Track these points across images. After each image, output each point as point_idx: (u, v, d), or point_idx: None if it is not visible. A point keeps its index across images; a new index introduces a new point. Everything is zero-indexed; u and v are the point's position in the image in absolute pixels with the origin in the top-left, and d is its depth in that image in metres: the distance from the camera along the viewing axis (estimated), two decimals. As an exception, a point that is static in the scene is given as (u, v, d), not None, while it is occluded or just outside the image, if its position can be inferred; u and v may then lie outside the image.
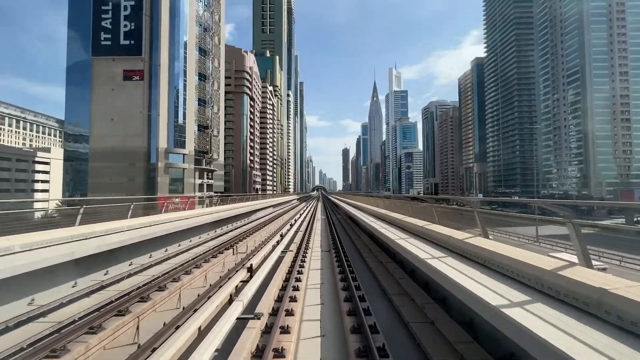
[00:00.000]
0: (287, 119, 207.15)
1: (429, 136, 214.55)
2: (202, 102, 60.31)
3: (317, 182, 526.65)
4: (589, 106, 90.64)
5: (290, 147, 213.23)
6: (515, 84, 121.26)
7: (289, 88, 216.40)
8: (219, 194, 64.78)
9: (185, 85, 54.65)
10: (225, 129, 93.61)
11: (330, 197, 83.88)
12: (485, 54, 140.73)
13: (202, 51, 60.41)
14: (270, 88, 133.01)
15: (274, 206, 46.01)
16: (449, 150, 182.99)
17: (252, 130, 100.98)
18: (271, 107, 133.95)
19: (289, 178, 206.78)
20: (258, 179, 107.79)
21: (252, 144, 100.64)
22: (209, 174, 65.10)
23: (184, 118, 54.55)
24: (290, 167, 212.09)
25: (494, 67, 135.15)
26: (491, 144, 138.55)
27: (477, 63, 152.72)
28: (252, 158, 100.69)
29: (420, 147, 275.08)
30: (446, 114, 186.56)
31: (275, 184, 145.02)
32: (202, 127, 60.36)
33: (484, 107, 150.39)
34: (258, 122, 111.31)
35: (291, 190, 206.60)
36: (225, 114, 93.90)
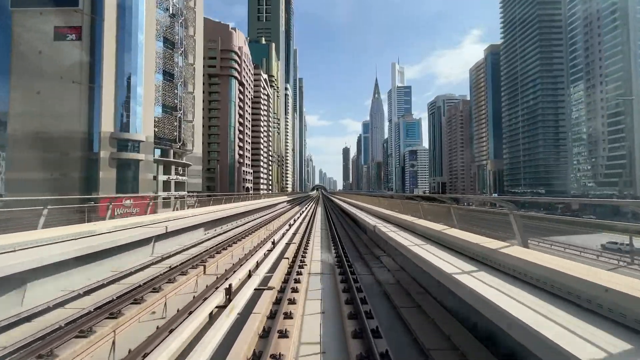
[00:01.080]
0: (285, 114, 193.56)
1: (436, 132, 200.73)
2: (168, 76, 46.60)
3: (317, 182, 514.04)
4: (634, 91, 77.01)
5: (288, 144, 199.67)
6: (539, 71, 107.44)
7: (287, 81, 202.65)
8: (196, 194, 51.35)
9: (140, 49, 40.86)
10: (209, 117, 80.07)
11: (333, 199, 70.18)
12: (502, 40, 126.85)
13: (168, 10, 46.68)
14: (265, 76, 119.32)
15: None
16: (459, 147, 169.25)
17: (242, 121, 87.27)
18: (266, 98, 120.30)
19: (286, 177, 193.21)
20: (249, 177, 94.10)
21: (242, 136, 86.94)
22: (181, 169, 51.42)
23: (140, 93, 40.82)
24: (288, 165, 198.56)
25: (511, 54, 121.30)
26: (508, 138, 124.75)
27: (491, 51, 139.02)
28: (242, 152, 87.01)
29: (425, 144, 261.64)
30: (455, 108, 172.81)
31: (270, 182, 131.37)
32: (169, 109, 46.67)
33: (499, 98, 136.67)
34: (250, 112, 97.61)
35: (289, 189, 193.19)
36: (209, 101, 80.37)
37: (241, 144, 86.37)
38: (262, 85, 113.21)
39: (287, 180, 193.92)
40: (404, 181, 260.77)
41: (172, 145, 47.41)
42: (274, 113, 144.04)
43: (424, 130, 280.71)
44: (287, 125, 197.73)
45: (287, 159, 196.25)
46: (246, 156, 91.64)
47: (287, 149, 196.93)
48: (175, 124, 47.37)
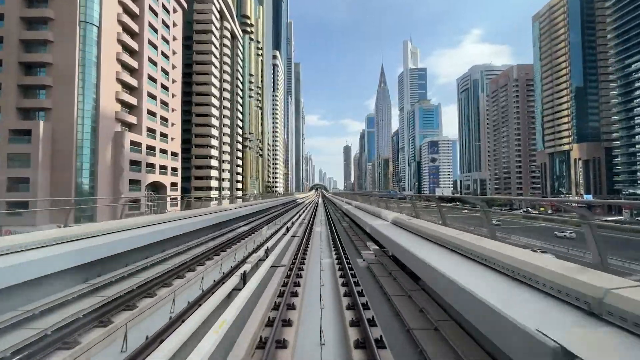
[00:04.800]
0: (274, 91, 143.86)
1: (471, 115, 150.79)
2: None
3: (316, 181, 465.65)
4: None
5: (277, 133, 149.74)
6: None
7: (276, 48, 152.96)
8: None
9: None
10: (26, 1, 29.97)
11: (355, 213, 19.87)
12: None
13: None
14: (226, -3, 69.18)
15: None
16: (511, 130, 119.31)
17: (136, 29, 37.09)
18: (228, 40, 70.33)
19: (275, 173, 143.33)
20: (164, 161, 43.49)
21: (135, 64, 36.82)
22: None
23: None
24: (278, 159, 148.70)
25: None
26: (621, 107, 74.93)
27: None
28: (136, 100, 36.76)
29: (447, 135, 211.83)
30: (505, 76, 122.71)
31: (241, 179, 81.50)
32: None
33: (592, 50, 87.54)
34: (165, 27, 47.36)
35: (279, 189, 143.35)
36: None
37: (134, 82, 36.22)
38: (218, 8, 63.22)
39: (276, 178, 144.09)
40: (421, 179, 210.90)
41: None
42: (250, 75, 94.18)
43: (444, 119, 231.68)
44: (277, 106, 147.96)
45: (276, 151, 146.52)
46: (155, 115, 40.97)
47: (276, 139, 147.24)
48: None
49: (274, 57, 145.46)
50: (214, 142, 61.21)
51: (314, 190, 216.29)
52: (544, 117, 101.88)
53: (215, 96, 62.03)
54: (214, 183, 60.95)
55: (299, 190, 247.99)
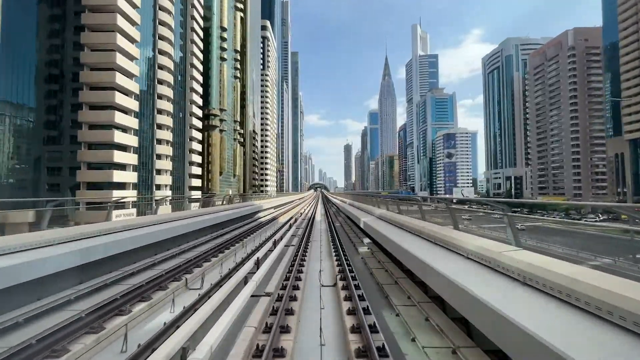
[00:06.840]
0: (263, 68, 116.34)
1: (504, 98, 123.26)
2: None
3: (316, 180, 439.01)
4: None
5: (268, 120, 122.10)
6: None
7: (266, 17, 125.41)
8: None
9: None
10: None
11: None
12: None
13: None
14: None
15: None
16: (566, 115, 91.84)
17: None
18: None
19: (264, 170, 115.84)
20: None
21: None
22: None
23: None
24: (268, 152, 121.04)
25: None
26: None
27: None
28: None
29: (464, 126, 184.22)
30: (556, 44, 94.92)
31: (195, 172, 54.00)
32: None
33: None
34: None
35: (270, 189, 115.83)
36: None
37: None
38: None
39: (266, 175, 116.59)
40: (434, 178, 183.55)
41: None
42: (223, 29, 66.38)
43: (459, 111, 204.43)
44: (267, 88, 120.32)
45: (266, 143, 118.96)
46: None
47: (266, 128, 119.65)
48: None
49: (264, 27, 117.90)
50: (127, 103, 33.50)
51: (312, 190, 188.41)
52: (622, 91, 74.36)
53: (133, 21, 34.40)
54: (126, 176, 33.23)
55: (297, 189, 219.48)
